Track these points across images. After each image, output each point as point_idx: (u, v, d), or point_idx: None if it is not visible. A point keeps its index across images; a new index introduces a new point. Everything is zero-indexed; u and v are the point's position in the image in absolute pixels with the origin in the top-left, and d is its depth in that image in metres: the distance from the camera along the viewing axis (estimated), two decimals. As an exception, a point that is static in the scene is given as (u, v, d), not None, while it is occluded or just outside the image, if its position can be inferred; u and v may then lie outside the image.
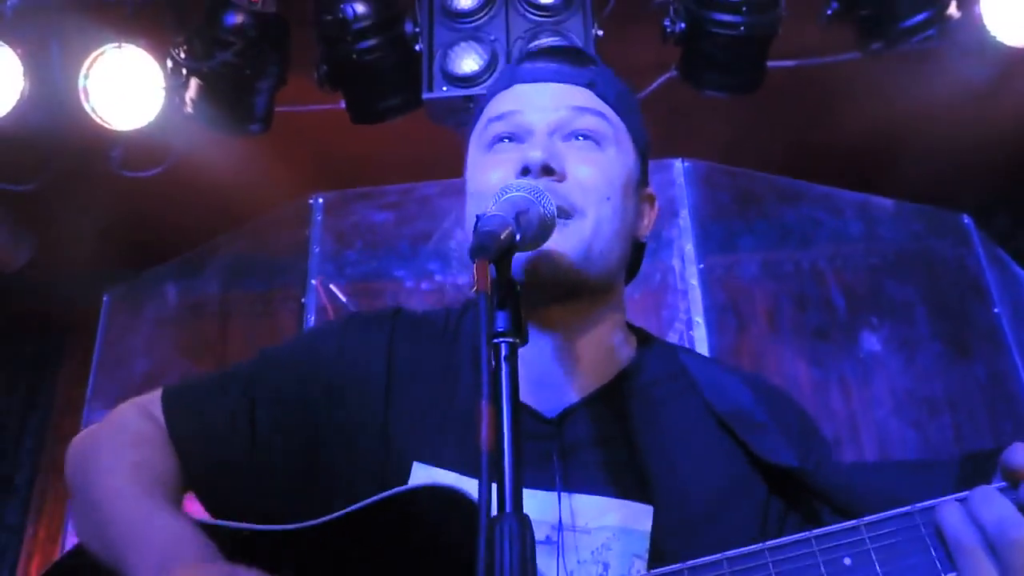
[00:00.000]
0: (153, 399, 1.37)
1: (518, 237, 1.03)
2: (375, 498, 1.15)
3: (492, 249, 0.96)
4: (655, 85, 3.67)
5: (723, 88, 3.56)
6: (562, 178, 1.26)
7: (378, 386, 1.32)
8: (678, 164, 3.15)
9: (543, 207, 1.14)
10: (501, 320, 0.98)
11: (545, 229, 1.15)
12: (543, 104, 1.32)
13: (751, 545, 1.00)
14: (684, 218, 3.09)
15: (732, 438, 1.29)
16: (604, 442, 1.25)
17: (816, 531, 0.99)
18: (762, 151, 4.06)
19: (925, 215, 3.89)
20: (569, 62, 1.38)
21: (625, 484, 1.22)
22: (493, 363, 0.96)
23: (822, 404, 4.46)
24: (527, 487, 1.16)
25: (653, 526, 1.19)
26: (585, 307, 1.31)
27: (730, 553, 0.99)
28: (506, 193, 1.14)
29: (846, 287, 4.35)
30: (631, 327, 1.43)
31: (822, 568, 0.97)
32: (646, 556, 1.18)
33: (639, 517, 1.20)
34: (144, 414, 1.35)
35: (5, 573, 4.75)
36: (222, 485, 1.32)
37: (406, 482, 1.22)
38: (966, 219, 3.83)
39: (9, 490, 5.00)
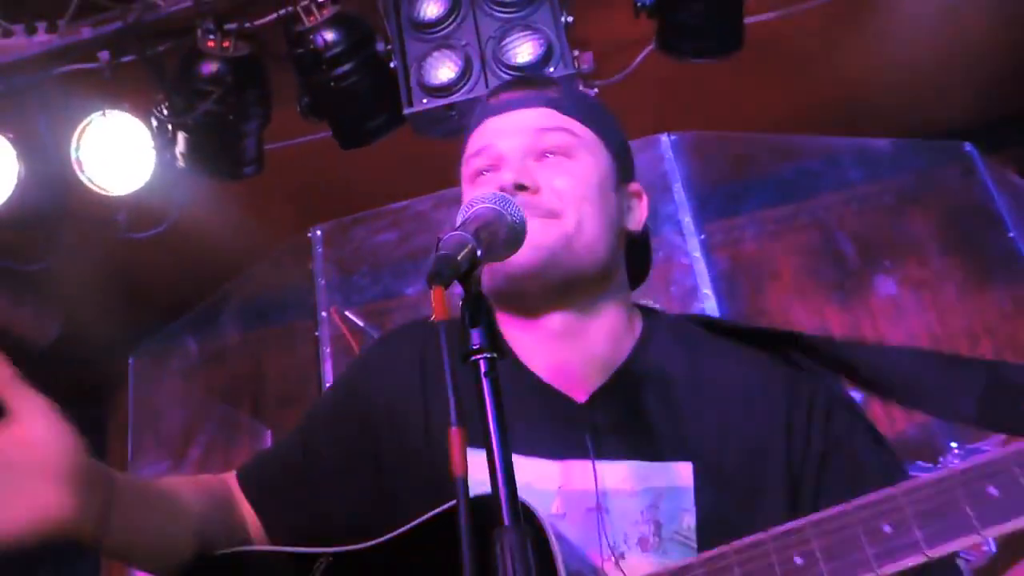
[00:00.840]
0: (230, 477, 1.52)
1: (480, 252, 1.04)
2: (421, 519, 1.22)
3: (446, 274, 0.97)
4: (637, 62, 3.65)
5: (704, 54, 3.52)
6: (537, 190, 1.35)
7: (416, 392, 1.39)
8: (664, 138, 3.14)
9: (510, 214, 1.16)
10: (476, 337, 0.99)
11: (516, 235, 1.17)
12: (511, 132, 1.42)
13: (775, 508, 1.13)
14: (678, 191, 3.08)
15: (747, 354, 1.38)
16: (635, 414, 1.31)
17: (855, 501, 1.02)
18: (755, 112, 4.02)
19: (925, 149, 3.83)
20: (530, 87, 1.49)
21: (662, 446, 1.28)
22: (479, 380, 0.98)
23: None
24: (569, 459, 1.27)
25: (695, 480, 1.25)
26: (584, 296, 1.37)
27: (772, 531, 1.05)
28: (471, 208, 1.16)
29: (854, 235, 4.31)
30: (638, 307, 1.49)
31: (862, 537, 1.00)
32: (694, 508, 1.24)
33: (681, 474, 1.26)
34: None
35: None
36: (285, 513, 1.45)
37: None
38: (968, 147, 3.76)
39: (78, 555, 5.10)
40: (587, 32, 3.41)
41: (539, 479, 1.25)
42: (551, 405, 1.33)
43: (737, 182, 3.95)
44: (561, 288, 1.34)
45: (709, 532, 1.22)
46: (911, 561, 0.98)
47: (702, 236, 3.02)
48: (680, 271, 3.03)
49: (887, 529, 0.99)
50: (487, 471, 1.21)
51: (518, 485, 1.18)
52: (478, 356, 0.98)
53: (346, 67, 3.37)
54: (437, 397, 1.37)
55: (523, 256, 1.20)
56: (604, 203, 1.39)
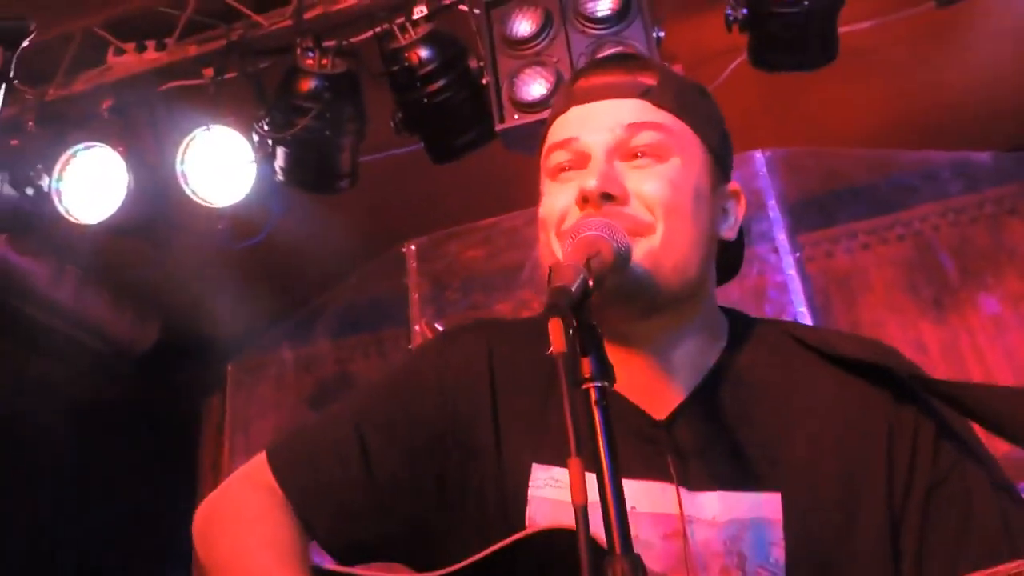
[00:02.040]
0: (260, 464, 1.38)
1: (591, 283, 1.04)
2: (496, 546, 1.19)
3: (563, 306, 0.97)
4: (726, 74, 3.62)
5: (797, 66, 3.47)
6: (624, 201, 1.25)
7: (484, 395, 1.34)
8: (759, 155, 3.09)
9: (616, 242, 1.15)
10: (587, 365, 1.00)
11: (622, 262, 1.16)
12: (598, 126, 1.30)
13: (869, 543, 1.02)
14: (773, 208, 3.03)
15: (851, 374, 1.27)
16: (717, 436, 1.25)
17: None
18: (848, 125, 3.94)
19: (1027, 160, 3.69)
20: (622, 72, 1.35)
21: (747, 475, 1.21)
22: (590, 409, 0.97)
23: (955, 364, 4.28)
24: (647, 479, 1.20)
25: (784, 512, 1.18)
26: (671, 319, 1.29)
27: None
28: (579, 233, 1.16)
29: (962, 240, 4.15)
30: (724, 310, 1.40)
31: None
32: (782, 543, 1.17)
33: (768, 506, 1.19)
34: (254, 485, 1.36)
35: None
36: (346, 531, 1.33)
37: (526, 484, 1.25)
38: (1072, 158, 3.61)
39: (173, 553, 5.27)
40: (677, 46, 3.40)
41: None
42: (627, 420, 1.25)
43: (831, 195, 3.86)
44: (646, 310, 1.26)
45: (798, 566, 1.16)
46: None
47: (797, 254, 2.97)
48: (774, 289, 2.98)
49: None
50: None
51: (594, 500, 1.18)
52: (590, 384, 0.99)
53: (439, 83, 3.43)
54: (507, 412, 1.32)
55: (615, 278, 1.15)
56: (697, 212, 1.28)
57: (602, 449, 0.96)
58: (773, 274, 3.00)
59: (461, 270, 3.61)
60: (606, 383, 1.00)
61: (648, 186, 1.25)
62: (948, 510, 1.18)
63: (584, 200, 1.24)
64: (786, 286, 2.89)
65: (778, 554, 1.17)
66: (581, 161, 1.30)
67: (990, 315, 4.35)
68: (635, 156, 1.28)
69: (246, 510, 1.35)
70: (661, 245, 1.23)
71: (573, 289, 1.01)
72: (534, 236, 1.40)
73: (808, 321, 2.83)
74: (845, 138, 3.51)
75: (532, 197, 1.44)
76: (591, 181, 1.24)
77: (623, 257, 1.17)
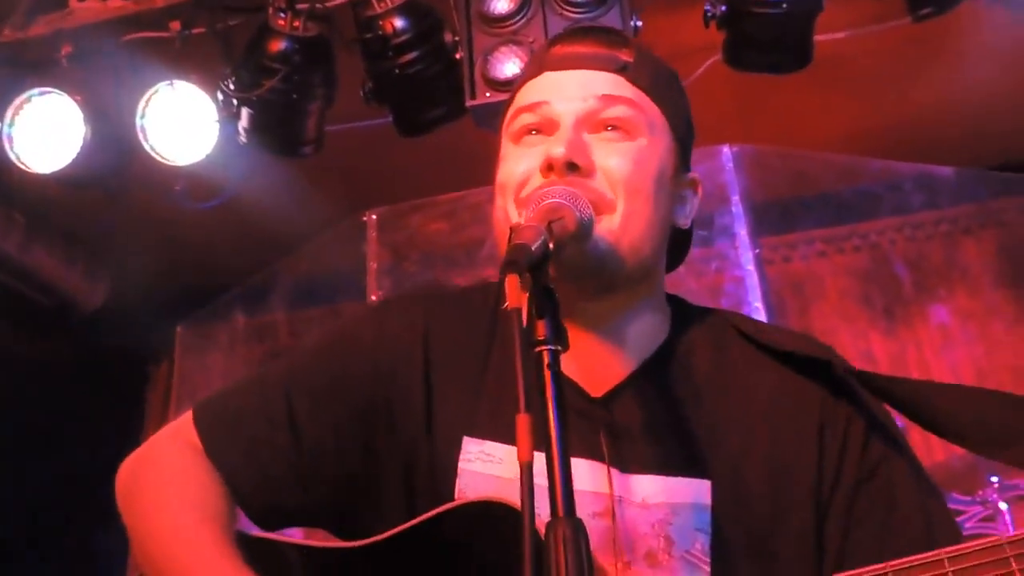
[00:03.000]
0: (186, 423, 1.34)
1: (551, 245, 1.03)
2: (427, 515, 1.17)
3: (522, 262, 0.96)
4: (700, 70, 3.62)
5: (770, 68, 3.49)
6: (589, 173, 1.23)
7: (417, 366, 1.31)
8: (726, 150, 3.11)
9: (579, 211, 1.14)
10: (542, 328, 0.99)
11: (584, 232, 1.15)
12: (570, 94, 1.28)
13: (797, 535, 1.04)
14: (736, 204, 3.05)
15: (787, 365, 1.27)
16: (653, 419, 1.25)
17: (893, 563, 0.95)
18: (816, 130, 3.97)
19: (988, 180, 3.75)
20: (600, 45, 1.33)
21: (679, 460, 1.21)
22: (541, 371, 0.96)
23: (901, 374, 4.35)
24: (580, 457, 1.19)
25: (713, 500, 1.18)
26: (621, 300, 1.29)
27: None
28: (543, 200, 1.14)
29: (917, 256, 4.22)
30: (669, 297, 1.40)
31: None
32: (709, 531, 1.17)
33: (698, 492, 1.19)
34: (180, 443, 1.32)
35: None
36: (270, 497, 1.30)
37: (456, 457, 1.24)
38: (1032, 180, 3.69)
39: (110, 517, 5.18)
40: (654, 38, 3.39)
41: (539, 473, 1.14)
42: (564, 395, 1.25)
43: (795, 199, 3.90)
44: (599, 289, 1.26)
45: (724, 554, 1.16)
46: None
47: (756, 251, 2.98)
48: (732, 283, 3.00)
49: None
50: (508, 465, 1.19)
51: (511, 477, 1.15)
52: (543, 347, 0.98)
53: (412, 55, 3.39)
54: (440, 384, 1.30)
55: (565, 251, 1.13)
56: (658, 195, 1.27)
57: (551, 412, 0.95)
58: (732, 269, 3.02)
59: (422, 243, 3.58)
60: (559, 347, 0.99)
61: (614, 161, 1.24)
62: (874, 504, 1.19)
63: (549, 167, 1.22)
64: (743, 281, 2.91)
65: (704, 541, 1.17)
66: (548, 127, 1.29)
67: (939, 330, 4.43)
68: (604, 128, 1.27)
69: (170, 469, 1.31)
70: (621, 224, 1.22)
71: (533, 248, 1.00)
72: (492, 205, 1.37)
73: (763, 317, 2.85)
74: (812, 143, 3.54)
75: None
76: (558, 148, 1.21)
77: (585, 228, 1.16)
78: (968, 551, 0.92)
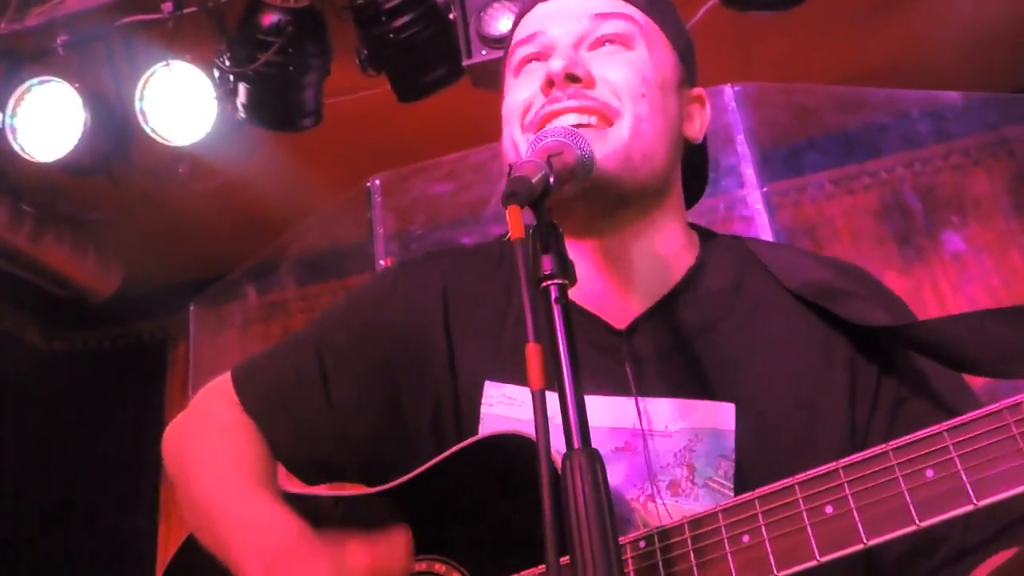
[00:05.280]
0: (225, 383, 1.39)
1: (552, 179, 1.02)
2: (445, 454, 1.19)
3: (523, 194, 0.95)
4: (699, 15, 3.58)
5: (768, 5, 3.44)
6: (590, 84, 1.23)
7: (437, 317, 1.33)
8: (728, 89, 3.07)
9: (580, 148, 1.13)
10: (547, 263, 0.97)
11: (585, 168, 1.13)
12: (565, 17, 1.29)
13: (827, 462, 0.94)
14: (741, 143, 3.01)
15: (811, 310, 1.24)
16: (677, 346, 1.23)
17: (893, 443, 0.91)
18: (818, 67, 3.92)
19: (997, 103, 3.69)
20: None
21: (703, 384, 1.20)
22: (549, 306, 0.95)
23: (917, 312, 4.31)
24: (601, 394, 1.18)
25: (737, 424, 1.17)
26: (637, 214, 1.27)
27: (801, 476, 0.95)
28: (541, 140, 1.13)
29: (928, 187, 4.17)
30: (694, 227, 1.38)
31: (901, 483, 0.89)
32: (732, 456, 1.16)
33: (721, 416, 1.17)
34: (223, 399, 1.38)
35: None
36: (305, 450, 1.35)
37: (479, 402, 1.25)
38: (1042, 101, 3.62)
39: (139, 498, 5.27)
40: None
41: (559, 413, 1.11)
42: (586, 331, 1.22)
43: (801, 137, 3.85)
44: (614, 204, 1.24)
45: (747, 482, 1.12)
46: (958, 511, 0.87)
47: (764, 189, 2.95)
48: (741, 224, 2.97)
49: (930, 474, 0.88)
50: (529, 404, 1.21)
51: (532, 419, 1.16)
52: (549, 282, 0.96)
53: (405, 19, 3.36)
54: (461, 332, 1.32)
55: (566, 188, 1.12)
56: (665, 103, 1.25)
57: (561, 346, 0.93)
58: (740, 208, 2.99)
59: (427, 205, 3.56)
60: (566, 281, 0.98)
61: (614, 72, 1.24)
62: (916, 423, 1.16)
63: (549, 83, 1.23)
64: (753, 221, 2.88)
65: (727, 468, 1.15)
66: (545, 54, 1.29)
67: (954, 263, 4.39)
68: (602, 44, 1.28)
69: (214, 427, 1.36)
70: (630, 131, 1.21)
71: (534, 181, 0.98)
72: (500, 170, 1.36)
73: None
74: (816, 80, 3.49)
75: (499, 133, 1.41)
76: (556, 62, 1.22)
77: (587, 165, 1.14)
78: (967, 421, 0.89)
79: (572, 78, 1.22)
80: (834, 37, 3.97)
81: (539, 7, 1.33)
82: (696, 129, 1.35)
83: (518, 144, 1.27)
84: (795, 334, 1.24)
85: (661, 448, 1.17)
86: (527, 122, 1.27)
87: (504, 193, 0.96)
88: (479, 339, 1.31)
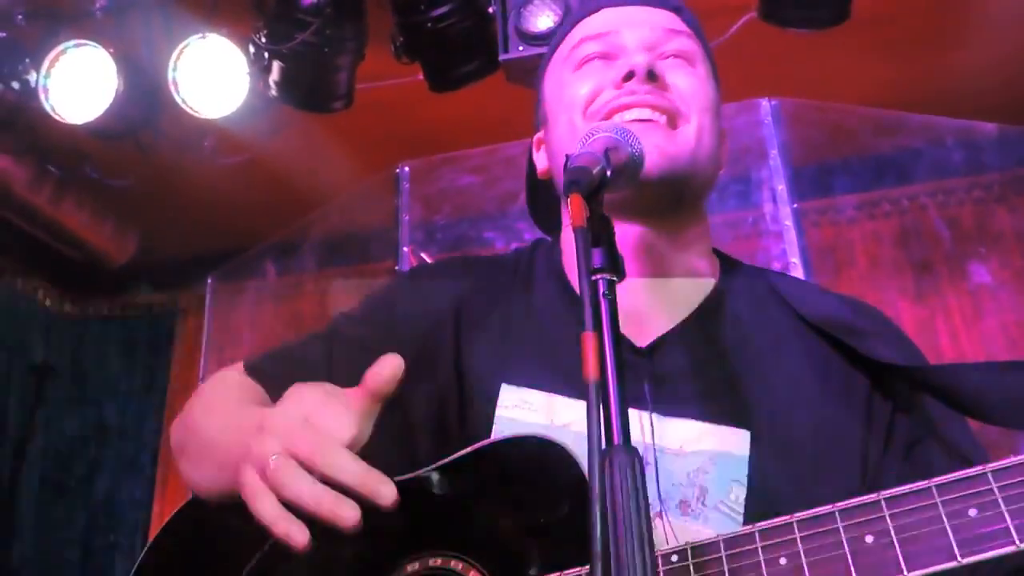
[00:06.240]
0: (237, 365, 1.42)
1: (609, 173, 1.01)
2: (468, 449, 1.17)
3: (584, 184, 0.95)
4: (735, 27, 3.57)
5: (807, 24, 3.44)
6: (666, 86, 1.27)
7: (448, 320, 1.35)
8: (765, 103, 3.06)
9: (631, 146, 1.12)
10: (597, 257, 0.97)
11: (635, 167, 1.13)
12: (638, 24, 1.33)
13: (838, 496, 0.95)
14: (774, 158, 3.00)
15: (829, 344, 1.25)
16: (697, 369, 1.24)
17: (936, 480, 0.91)
18: (854, 88, 3.91)
19: (1032, 138, 3.68)
20: None
21: (720, 409, 1.20)
22: (597, 300, 0.94)
23: (928, 343, 4.32)
24: None
25: (751, 450, 1.17)
26: (678, 225, 1.30)
27: (840, 505, 0.94)
28: (593, 135, 1.13)
29: (950, 219, 4.16)
30: (715, 252, 1.40)
31: (944, 519, 0.89)
32: (745, 481, 1.15)
33: (736, 442, 1.17)
34: (233, 372, 1.41)
35: (138, 546, 5.03)
36: None
37: (494, 405, 1.25)
38: (1077, 139, 3.61)
39: (136, 468, 5.28)
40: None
41: (581, 421, 1.08)
42: None
43: (834, 156, 3.84)
44: (670, 202, 1.27)
45: (758, 508, 1.12)
46: (1000, 551, 0.86)
47: (795, 206, 2.94)
48: (769, 238, 2.96)
49: (973, 513, 0.88)
50: (559, 413, 1.20)
51: (561, 425, 1.15)
52: (599, 276, 0.95)
53: (443, 9, 3.37)
54: (474, 337, 1.33)
55: (652, 160, 1.15)
56: (716, 121, 1.33)
57: (607, 340, 0.92)
58: (769, 223, 2.98)
59: (454, 195, 3.56)
60: (615, 277, 0.97)
61: (685, 81, 1.29)
62: (928, 463, 1.16)
63: (627, 77, 1.25)
64: (781, 237, 2.87)
65: (739, 493, 1.15)
66: (615, 54, 1.32)
67: (969, 297, 4.38)
68: (667, 58, 1.31)
69: (221, 383, 1.39)
70: (696, 138, 1.26)
71: (594, 172, 0.98)
72: (549, 135, 1.39)
73: (800, 273, 2.81)
74: (850, 100, 3.49)
75: (531, 128, 1.41)
76: (640, 56, 1.26)
77: (636, 163, 1.14)
78: (1012, 465, 0.90)
79: (652, 76, 1.26)
80: (872, 60, 3.95)
81: (605, 12, 1.37)
82: (724, 153, 1.40)
83: (577, 128, 1.28)
84: (814, 365, 1.24)
85: (674, 467, 1.17)
86: (591, 111, 1.28)
87: (565, 181, 0.96)
88: (493, 344, 1.32)
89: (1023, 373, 1.10)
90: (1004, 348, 4.36)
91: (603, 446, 0.85)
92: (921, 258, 4.52)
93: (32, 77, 3.59)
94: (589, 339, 0.84)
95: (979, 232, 4.48)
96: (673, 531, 1.14)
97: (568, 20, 1.42)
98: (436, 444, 1.28)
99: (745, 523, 1.13)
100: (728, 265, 1.39)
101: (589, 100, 1.29)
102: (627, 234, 1.26)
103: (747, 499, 1.15)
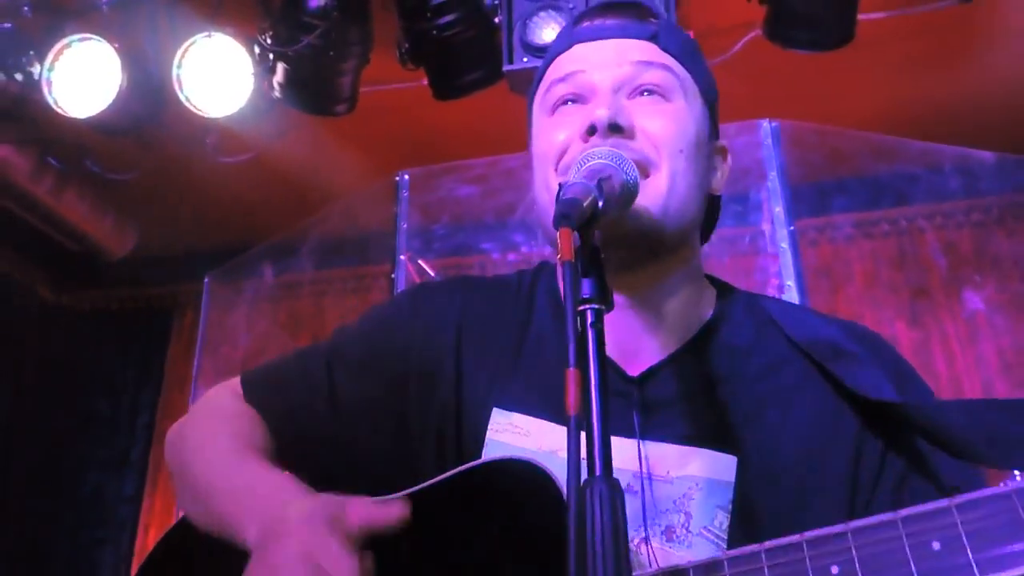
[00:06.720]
0: (233, 385, 1.41)
1: (601, 204, 1.02)
2: (456, 470, 1.17)
3: (574, 217, 0.95)
4: (739, 46, 3.58)
5: (811, 45, 3.45)
6: (631, 135, 1.22)
7: (451, 340, 1.34)
8: (765, 124, 3.06)
9: (625, 173, 1.13)
10: (587, 287, 0.97)
11: (628, 195, 1.14)
12: (606, 61, 1.27)
13: (833, 525, 0.96)
14: (773, 180, 3.00)
15: (821, 372, 1.24)
16: (687, 397, 1.24)
17: (903, 512, 0.93)
18: (854, 110, 3.92)
19: (1030, 167, 3.69)
20: (629, 17, 1.32)
21: (708, 435, 1.20)
22: (579, 329, 0.94)
23: (924, 366, 4.32)
24: (611, 434, 1.18)
25: (737, 477, 1.17)
26: (663, 268, 1.27)
27: (809, 534, 0.96)
28: (588, 161, 1.13)
29: (947, 244, 4.17)
30: (710, 279, 1.39)
31: (908, 551, 0.91)
32: (730, 507, 1.16)
33: (723, 468, 1.18)
34: (234, 395, 1.40)
35: (125, 541, 5.02)
36: (310, 456, 1.36)
37: (485, 428, 1.26)
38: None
39: (126, 463, 5.27)
40: (694, 12, 3.36)
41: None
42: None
43: (833, 177, 3.85)
44: (644, 256, 1.24)
45: (743, 534, 1.13)
46: None
47: (792, 227, 2.95)
48: (765, 259, 2.97)
49: (936, 547, 0.90)
50: (536, 439, 1.21)
51: (549, 451, 1.16)
52: (587, 306, 0.96)
53: (450, 17, 3.38)
54: (472, 359, 1.32)
55: (617, 217, 1.11)
56: (697, 159, 1.26)
57: (592, 371, 0.93)
58: (766, 246, 2.99)
59: (453, 205, 3.57)
60: (603, 307, 0.98)
61: (654, 123, 1.23)
62: (917, 499, 1.16)
63: (591, 131, 1.21)
64: (777, 259, 2.88)
65: (723, 519, 1.16)
66: (585, 95, 1.27)
67: (965, 320, 4.39)
68: (640, 94, 1.26)
69: (218, 413, 1.38)
70: (667, 185, 1.21)
71: (584, 204, 0.99)
72: (531, 180, 1.36)
73: (795, 296, 2.82)
74: (850, 123, 3.50)
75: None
76: (601, 111, 1.20)
77: (630, 190, 1.14)
78: (976, 499, 0.92)
79: (615, 128, 1.20)
80: (875, 83, 3.97)
81: (577, 48, 1.31)
82: (718, 182, 1.36)
83: (551, 186, 1.25)
84: (806, 395, 1.24)
85: (660, 493, 1.18)
86: (562, 166, 1.25)
87: (556, 214, 0.96)
88: (490, 366, 1.31)
89: (1005, 413, 1.09)
90: (999, 372, 4.36)
91: (585, 477, 0.86)
92: (918, 280, 4.53)
93: (36, 69, 3.60)
94: (572, 375, 0.85)
95: (977, 256, 4.49)
96: (657, 558, 1.14)
97: (547, 56, 1.38)
98: (438, 468, 1.26)
99: (729, 548, 1.14)
100: (723, 292, 1.37)
101: (560, 154, 1.25)
102: (619, 280, 1.24)
103: (731, 525, 1.15)
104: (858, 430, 1.20)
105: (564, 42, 1.34)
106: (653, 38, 1.30)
